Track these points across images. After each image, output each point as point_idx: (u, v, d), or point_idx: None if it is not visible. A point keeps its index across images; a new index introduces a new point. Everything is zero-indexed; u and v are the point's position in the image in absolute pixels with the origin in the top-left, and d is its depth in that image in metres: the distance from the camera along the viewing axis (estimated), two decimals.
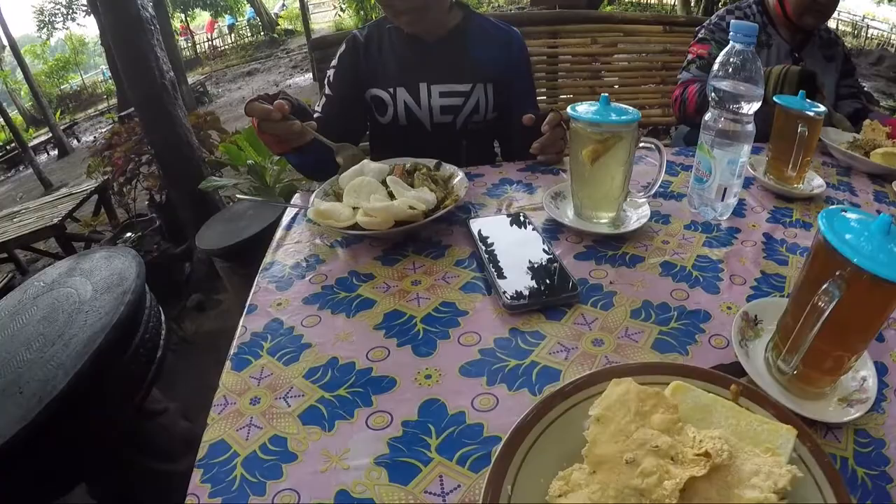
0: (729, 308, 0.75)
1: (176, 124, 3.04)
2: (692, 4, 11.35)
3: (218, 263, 2.49)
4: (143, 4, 2.87)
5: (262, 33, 18.95)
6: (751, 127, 0.91)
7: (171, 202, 3.49)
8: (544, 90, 2.47)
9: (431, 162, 1.12)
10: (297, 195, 1.21)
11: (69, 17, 17.27)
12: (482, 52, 1.38)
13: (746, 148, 0.92)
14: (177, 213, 3.45)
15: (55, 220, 3.27)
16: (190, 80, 9.91)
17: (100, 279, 1.47)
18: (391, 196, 0.93)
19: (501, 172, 1.22)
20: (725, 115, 0.91)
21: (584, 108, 0.87)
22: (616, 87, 2.49)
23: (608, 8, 11.52)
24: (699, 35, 1.70)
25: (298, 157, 1.21)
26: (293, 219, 1.09)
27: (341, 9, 16.26)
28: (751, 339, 0.68)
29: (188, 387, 2.46)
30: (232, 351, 0.75)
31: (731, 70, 0.88)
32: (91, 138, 9.78)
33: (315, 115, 1.30)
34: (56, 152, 10.10)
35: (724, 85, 0.89)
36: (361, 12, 14.44)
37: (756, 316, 0.70)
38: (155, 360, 1.47)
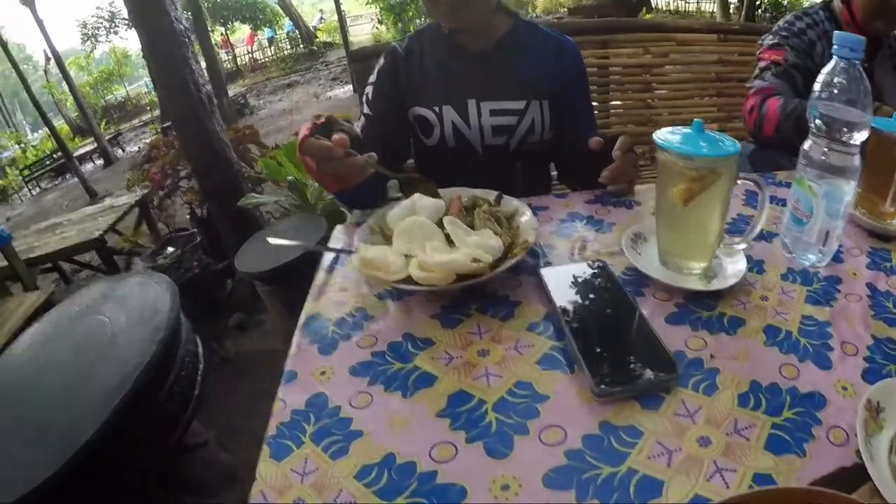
0: (844, 389, 0.63)
1: (213, 139, 3.00)
2: (731, 11, 10.95)
3: (259, 286, 2.42)
4: (178, 18, 2.84)
5: (300, 46, 19.16)
6: (857, 160, 0.77)
7: (212, 217, 3.45)
8: (596, 104, 2.31)
9: (491, 194, 0.99)
10: (338, 230, 1.09)
11: (112, 30, 17.73)
12: (535, 64, 1.24)
13: (852, 184, 0.79)
14: (218, 228, 3.42)
15: (96, 234, 3.29)
16: (231, 93, 10.03)
17: (133, 308, 1.41)
18: (448, 240, 0.81)
19: (568, 205, 1.08)
20: (831, 146, 0.78)
21: (673, 136, 0.74)
22: (669, 100, 2.33)
23: (647, 16, 11.19)
24: (769, 41, 1.56)
25: (355, 193, 1.05)
26: (335, 259, 0.97)
27: (379, 21, 16.30)
28: (874, 435, 0.55)
29: (228, 411, 2.42)
30: (269, 432, 0.64)
31: (836, 91, 0.75)
32: (135, 148, 10.05)
33: None
34: (101, 162, 10.35)
35: (829, 109, 0.75)
36: (399, 24, 14.41)
37: (878, 403, 0.58)
38: (192, 398, 1.39)
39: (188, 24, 2.93)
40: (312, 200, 3.01)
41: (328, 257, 0.98)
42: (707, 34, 2.23)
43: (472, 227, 0.86)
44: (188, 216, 3.83)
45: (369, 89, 1.27)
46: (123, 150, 10.29)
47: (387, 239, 0.88)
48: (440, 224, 0.85)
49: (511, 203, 0.96)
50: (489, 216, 0.87)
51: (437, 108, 1.23)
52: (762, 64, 1.54)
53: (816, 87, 0.77)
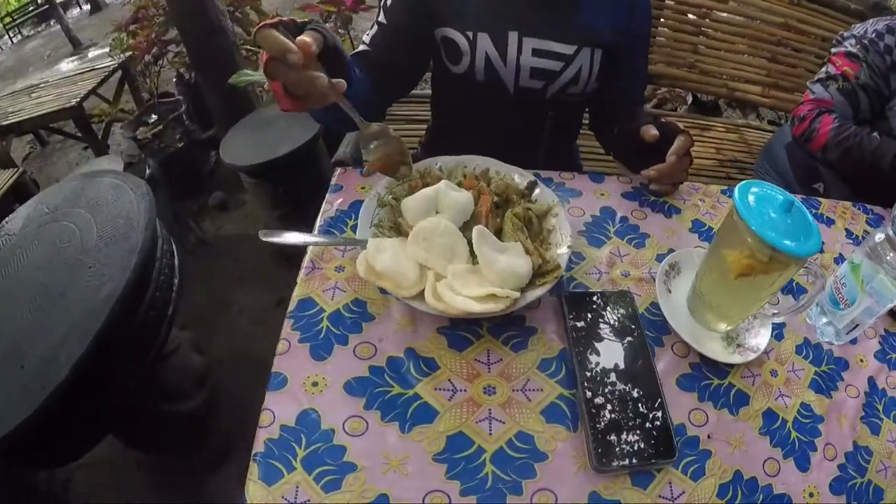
0: (811, 495, 0.67)
1: (208, 7, 2.70)
2: None
3: (243, 177, 2.29)
4: None
5: None
6: None
7: (200, 86, 3.23)
8: None
9: (525, 177, 0.89)
10: (338, 174, 0.98)
11: None
12: (600, 11, 1.06)
13: None
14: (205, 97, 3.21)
15: (73, 102, 3.05)
16: None
17: (105, 220, 1.30)
18: (472, 254, 0.72)
19: (603, 194, 0.98)
20: None
21: (756, 204, 0.65)
22: (720, 50, 2.15)
23: None
24: (847, 46, 1.39)
25: (318, 113, 0.91)
26: (332, 220, 0.88)
27: None
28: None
29: (201, 298, 2.40)
30: (257, 448, 0.61)
31: None
32: None
33: (360, 48, 1.04)
34: (88, 7, 9.63)
35: None
36: None
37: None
38: (167, 316, 1.33)
39: None
40: None
41: (321, 219, 0.89)
42: None
43: (499, 231, 0.78)
44: (174, 79, 3.60)
45: None
46: None
47: (399, 231, 0.79)
48: (466, 225, 0.77)
49: (545, 197, 0.86)
50: (521, 225, 0.78)
51: (470, 34, 1.03)
52: (832, 70, 1.40)
53: None
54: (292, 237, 0.76)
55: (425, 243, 0.71)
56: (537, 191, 0.87)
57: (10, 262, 1.30)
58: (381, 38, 1.04)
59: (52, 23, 9.08)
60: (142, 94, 3.74)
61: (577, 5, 1.04)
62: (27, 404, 0.99)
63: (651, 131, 0.91)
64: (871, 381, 0.80)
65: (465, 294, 0.65)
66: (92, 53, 6.75)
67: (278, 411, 0.63)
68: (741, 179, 1.87)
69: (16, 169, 2.55)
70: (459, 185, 0.82)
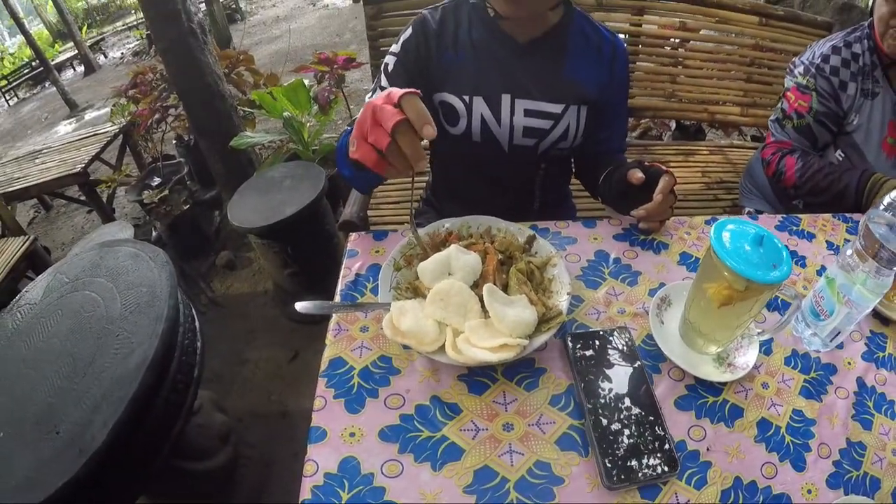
0: (809, 492, 0.72)
1: (205, 73, 2.81)
2: None
3: (252, 237, 2.38)
4: None
5: None
6: (890, 280, 0.78)
7: (201, 149, 3.33)
8: None
9: (523, 232, 0.97)
10: (352, 240, 1.06)
11: None
12: (582, 65, 1.13)
13: (876, 300, 0.81)
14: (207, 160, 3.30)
15: (78, 168, 3.14)
16: None
17: (127, 289, 1.36)
18: (484, 309, 0.80)
19: (596, 238, 1.06)
20: (874, 267, 0.78)
21: (731, 240, 0.72)
22: (697, 77, 2.26)
23: None
24: (797, 76, 1.46)
25: (369, 177, 1.00)
26: (353, 284, 0.96)
27: None
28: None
29: (218, 357, 2.44)
30: (304, 496, 0.67)
31: None
32: (118, 54, 9.53)
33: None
34: (82, 69, 9.84)
35: (888, 237, 0.75)
36: None
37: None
38: (193, 381, 1.39)
39: None
40: (310, 140, 2.92)
41: (343, 282, 0.97)
42: (749, 15, 2.12)
43: (506, 286, 0.86)
44: (174, 142, 3.71)
45: (390, 60, 1.14)
46: (106, 56, 9.72)
47: (416, 293, 0.87)
48: (476, 283, 0.85)
49: (543, 249, 0.95)
50: (525, 279, 0.87)
51: (466, 98, 1.12)
52: (786, 106, 1.48)
53: (885, 202, 0.77)
54: (325, 307, 0.83)
55: (442, 303, 0.79)
56: (537, 242, 0.96)
57: (35, 331, 1.35)
58: None
59: (46, 85, 9.28)
60: (143, 157, 3.85)
61: (563, 65, 1.13)
62: (65, 470, 1.02)
63: (637, 174, 0.98)
64: (860, 381, 0.86)
65: (481, 346, 0.73)
66: (89, 115, 6.89)
67: (321, 461, 0.70)
68: (728, 200, 1.95)
69: (27, 237, 2.59)
70: (468, 247, 0.91)
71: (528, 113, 1.12)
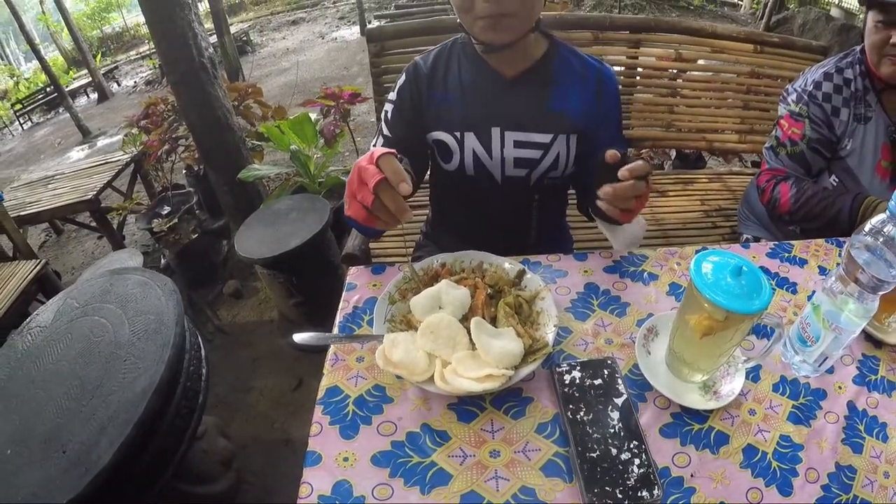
0: None
1: (215, 106, 2.90)
2: None
3: (258, 268, 2.43)
4: None
5: None
6: (876, 303, 0.80)
7: (210, 179, 3.41)
8: None
9: (514, 266, 1.01)
10: (351, 273, 1.10)
11: None
12: (568, 95, 1.17)
13: (863, 324, 0.83)
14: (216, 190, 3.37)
15: (90, 195, 3.23)
16: (233, 29, 9.63)
17: (135, 315, 1.42)
18: (472, 341, 0.84)
19: (587, 271, 1.09)
20: (857, 291, 0.80)
21: (710, 272, 0.75)
22: (695, 106, 2.31)
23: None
24: (791, 103, 1.48)
25: (367, 229, 1.06)
26: (350, 316, 1.00)
27: None
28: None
29: (223, 384, 2.48)
30: None
31: (880, 242, 0.76)
32: (132, 83, 9.74)
33: None
34: (96, 96, 10.08)
35: (870, 263, 0.77)
36: None
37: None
38: (197, 407, 1.43)
39: None
40: (315, 172, 2.99)
41: (340, 316, 1.01)
42: (744, 43, 2.18)
43: (494, 319, 0.90)
44: (184, 172, 3.79)
45: (389, 108, 1.21)
46: (119, 84, 9.97)
47: (409, 325, 0.91)
48: (465, 316, 0.89)
49: (533, 283, 0.98)
50: (512, 312, 0.90)
51: (458, 134, 1.17)
52: (780, 134, 1.50)
53: (865, 229, 0.78)
54: (321, 338, 0.87)
55: (432, 335, 0.83)
56: (527, 276, 0.99)
57: (45, 353, 1.41)
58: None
59: (60, 110, 9.50)
60: (153, 186, 3.93)
61: (549, 96, 1.17)
62: (70, 487, 1.07)
63: (611, 153, 0.91)
64: (851, 405, 0.86)
65: (467, 376, 0.77)
66: (101, 142, 7.04)
67: (315, 484, 0.73)
68: (726, 227, 1.99)
69: (38, 261, 2.65)
70: (458, 282, 0.95)
71: (517, 144, 1.17)
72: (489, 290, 0.95)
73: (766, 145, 1.57)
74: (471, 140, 1.17)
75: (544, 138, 1.16)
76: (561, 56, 1.19)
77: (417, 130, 1.21)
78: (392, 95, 1.22)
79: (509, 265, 1.02)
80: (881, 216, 0.77)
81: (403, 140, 1.18)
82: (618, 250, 1.15)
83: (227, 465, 1.85)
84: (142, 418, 1.16)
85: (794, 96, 1.48)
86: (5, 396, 1.33)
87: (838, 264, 0.85)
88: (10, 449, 1.19)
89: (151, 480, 1.28)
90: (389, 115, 1.21)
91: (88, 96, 10.51)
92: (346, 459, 0.76)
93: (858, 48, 1.41)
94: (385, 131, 1.20)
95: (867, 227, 0.78)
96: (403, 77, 1.21)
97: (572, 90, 1.18)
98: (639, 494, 0.71)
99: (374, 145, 1.19)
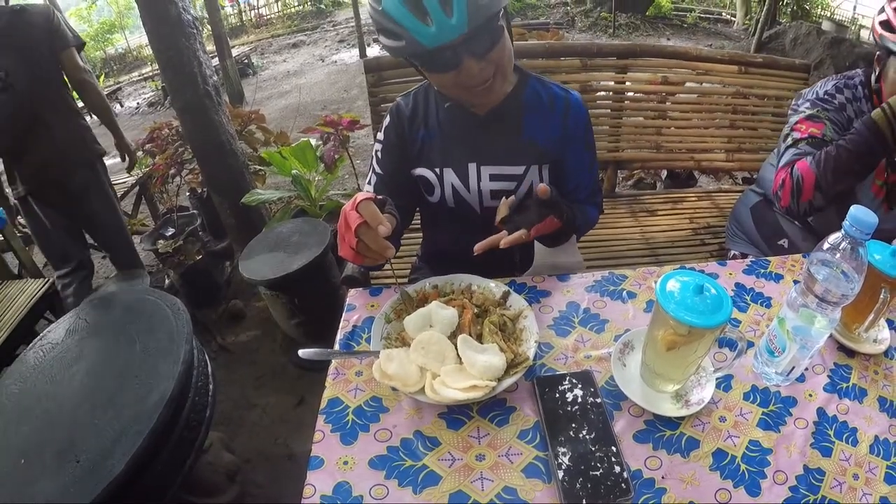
0: None
1: (219, 132, 2.98)
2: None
3: (261, 289, 2.51)
4: (186, 7, 2.76)
5: (308, 3, 18.60)
6: (837, 314, 0.87)
7: (213, 202, 3.48)
8: (606, 128, 2.41)
9: (500, 287, 1.10)
10: (351, 295, 1.19)
11: None
12: (538, 127, 1.23)
13: (827, 334, 0.89)
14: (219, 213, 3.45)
15: None
16: (235, 52, 9.76)
17: (145, 333, 1.50)
18: (459, 357, 0.92)
19: (569, 291, 1.17)
20: (817, 304, 0.86)
21: (674, 291, 0.83)
22: (683, 128, 2.41)
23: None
24: (805, 110, 1.46)
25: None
26: (351, 334, 1.09)
27: None
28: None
29: (227, 401, 2.53)
30: None
31: (837, 257, 0.82)
32: (135, 104, 9.83)
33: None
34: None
35: (828, 278, 0.83)
36: None
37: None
38: (205, 420, 1.49)
39: (197, 13, 2.86)
40: (316, 196, 3.08)
41: (342, 333, 1.10)
42: (728, 65, 2.28)
43: (480, 336, 0.99)
44: (188, 195, 3.87)
45: (378, 147, 1.29)
46: (122, 105, 10.03)
47: (403, 342, 1.00)
48: (454, 333, 0.98)
49: (517, 303, 1.07)
50: (497, 329, 0.99)
51: (437, 170, 1.26)
52: (797, 135, 1.44)
53: (826, 245, 0.84)
54: (324, 353, 0.95)
55: (423, 351, 0.92)
56: (511, 297, 1.08)
57: (58, 368, 1.48)
58: (381, 186, 1.27)
59: None
60: (158, 208, 4.02)
61: (520, 128, 1.24)
62: (85, 495, 1.12)
63: (542, 187, 1.05)
64: (821, 411, 0.91)
65: (454, 387, 0.85)
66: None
67: (318, 485, 0.81)
68: (715, 244, 2.08)
69: (46, 279, 2.71)
70: (447, 303, 1.04)
71: (493, 177, 1.25)
72: (476, 310, 1.04)
73: (781, 152, 1.51)
74: (450, 176, 1.25)
75: (517, 170, 1.24)
76: (530, 88, 1.26)
77: (404, 167, 1.29)
78: (380, 136, 1.30)
79: (496, 286, 1.11)
80: (837, 234, 0.83)
81: (394, 176, 1.27)
82: (536, 265, 1.28)
83: (231, 478, 1.91)
84: (154, 428, 1.22)
85: (807, 104, 1.47)
86: (18, 409, 1.40)
87: (796, 282, 0.92)
88: (24, 459, 1.25)
89: (161, 491, 1.34)
90: (379, 154, 1.29)
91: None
92: (345, 463, 0.84)
93: (857, 80, 1.45)
94: (377, 169, 1.28)
95: (825, 246, 0.84)
96: (388, 119, 1.29)
97: (540, 120, 1.24)
98: (613, 494, 0.78)
99: (369, 182, 1.29)
